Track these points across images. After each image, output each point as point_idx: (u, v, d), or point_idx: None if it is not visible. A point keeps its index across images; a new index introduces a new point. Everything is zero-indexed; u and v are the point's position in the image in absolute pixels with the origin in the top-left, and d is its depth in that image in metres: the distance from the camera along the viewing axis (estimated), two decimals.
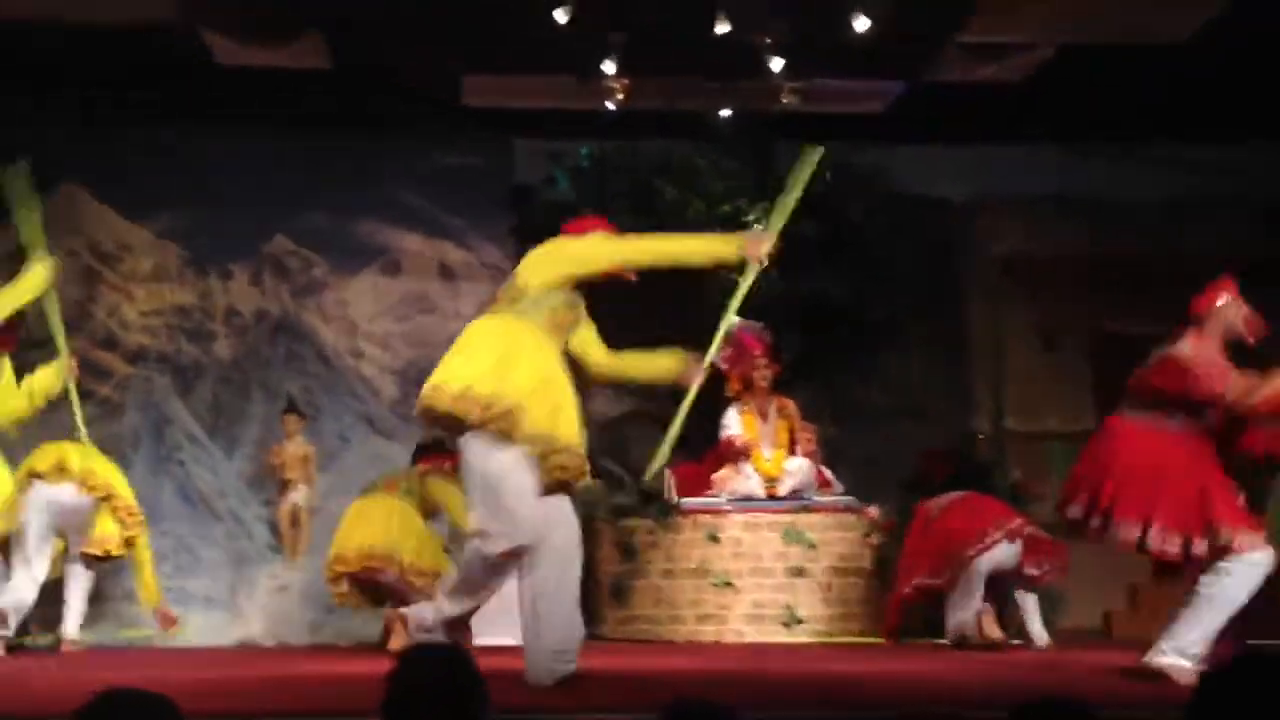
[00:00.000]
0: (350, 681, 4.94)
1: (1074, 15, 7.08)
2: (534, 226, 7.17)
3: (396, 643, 6.70)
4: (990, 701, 3.95)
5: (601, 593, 7.80)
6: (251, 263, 8.52)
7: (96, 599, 7.18)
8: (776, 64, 7.60)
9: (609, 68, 7.58)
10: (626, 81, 7.75)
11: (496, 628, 7.33)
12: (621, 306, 5.26)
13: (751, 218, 8.33)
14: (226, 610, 8.09)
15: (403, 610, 5.67)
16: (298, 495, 8.12)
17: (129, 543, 6.80)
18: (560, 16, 6.91)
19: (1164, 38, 7.18)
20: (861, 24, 7.05)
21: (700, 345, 7.36)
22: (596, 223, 5.05)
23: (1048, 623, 6.95)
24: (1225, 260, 5.38)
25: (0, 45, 7.01)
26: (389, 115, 8.04)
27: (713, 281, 8.30)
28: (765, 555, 7.47)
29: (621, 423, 8.60)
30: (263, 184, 8.30)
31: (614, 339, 5.06)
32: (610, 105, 7.81)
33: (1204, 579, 4.80)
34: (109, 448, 7.88)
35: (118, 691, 2.64)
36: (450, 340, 6.64)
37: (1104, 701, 3.75)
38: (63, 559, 6.85)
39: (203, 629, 7.96)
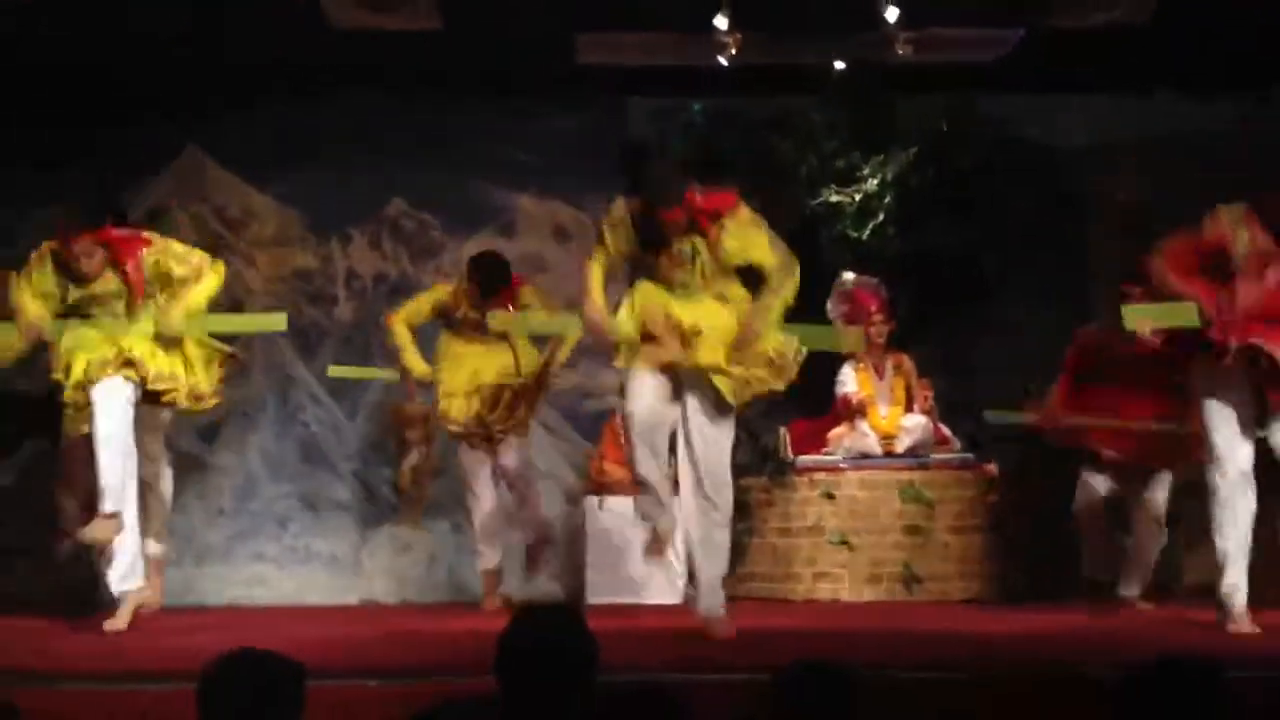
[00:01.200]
0: (471, 639, 5.01)
1: None
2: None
3: (491, 603, 6.85)
4: (1110, 660, 3.89)
5: None
6: (370, 226, 8.63)
7: None
8: (891, 14, 7.48)
9: (721, 22, 7.52)
10: (739, 36, 7.68)
11: (614, 588, 7.44)
12: None
13: (865, 171, 8.23)
14: (350, 569, 8.29)
15: None
16: (415, 456, 8.25)
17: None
18: None
19: None
20: None
21: None
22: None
23: (1164, 585, 6.87)
24: None
25: (118, 10, 7.14)
26: (502, 75, 8.07)
27: None
28: (882, 513, 7.41)
29: None
30: (379, 147, 8.38)
31: None
32: (723, 61, 7.75)
33: None
34: (236, 410, 8.10)
35: (245, 653, 2.73)
36: (569, 300, 6.73)
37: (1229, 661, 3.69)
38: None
39: (327, 587, 8.17)
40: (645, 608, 6.96)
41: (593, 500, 7.71)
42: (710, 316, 5.06)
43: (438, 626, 6.01)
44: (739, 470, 7.80)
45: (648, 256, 5.17)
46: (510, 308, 6.67)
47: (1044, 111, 8.37)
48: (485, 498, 6.91)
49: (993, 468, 7.59)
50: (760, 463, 7.80)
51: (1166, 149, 8.12)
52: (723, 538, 5.21)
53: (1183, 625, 5.66)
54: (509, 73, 8.05)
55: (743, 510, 7.68)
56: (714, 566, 5.15)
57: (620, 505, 7.41)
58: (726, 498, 5.22)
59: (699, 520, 5.13)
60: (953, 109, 8.36)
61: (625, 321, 5.13)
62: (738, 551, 7.65)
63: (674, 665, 4.16)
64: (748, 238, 5.08)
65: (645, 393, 5.07)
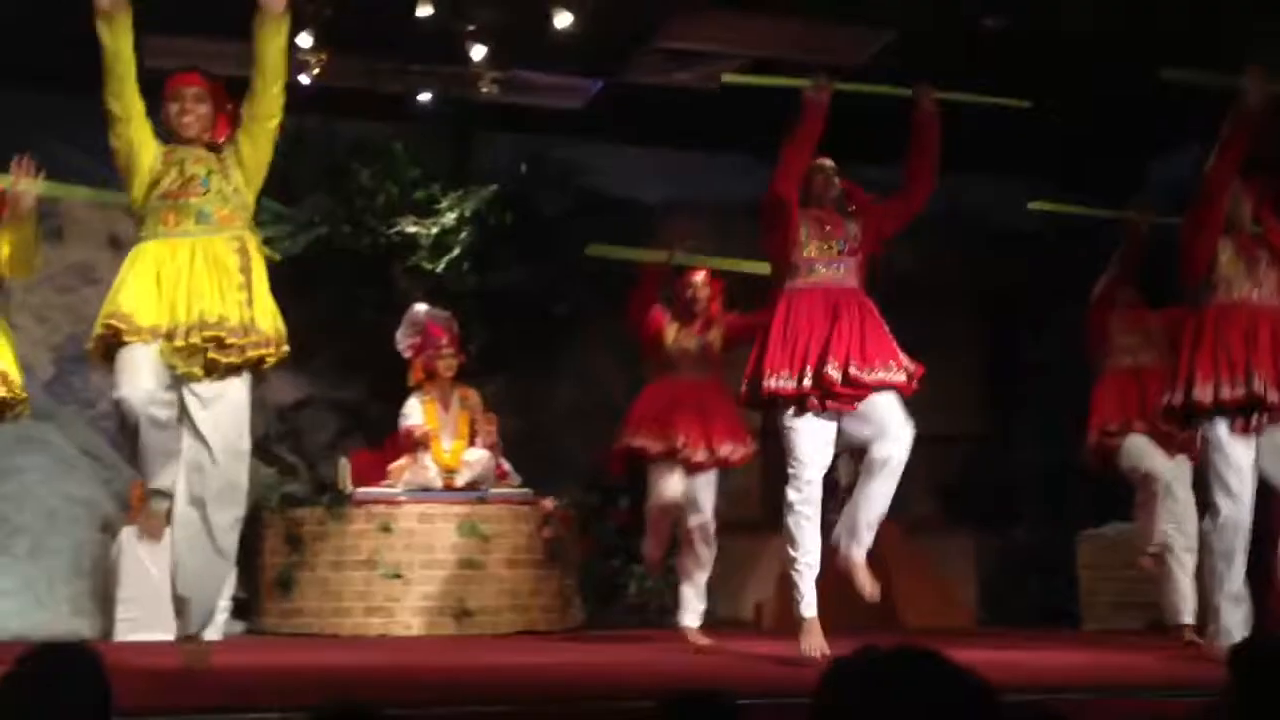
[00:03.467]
0: None
1: (763, 31, 7.29)
2: None
3: None
4: (642, 693, 3.96)
5: (265, 585, 7.54)
6: None
7: None
8: (478, 52, 7.51)
9: (305, 40, 7.32)
10: (324, 56, 7.49)
11: (152, 624, 6.99)
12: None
13: (444, 204, 8.22)
14: None
15: None
16: None
17: None
18: None
19: (843, 59, 7.48)
20: (563, 19, 7.05)
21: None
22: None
23: (709, 612, 7.02)
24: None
25: None
26: (56, 72, 7.51)
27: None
28: (438, 547, 7.37)
29: (297, 410, 8.32)
30: None
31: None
32: (305, 79, 7.54)
33: None
34: None
35: None
36: None
37: (752, 690, 3.85)
38: None
39: None
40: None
41: (131, 530, 7.22)
42: None
43: None
44: (294, 501, 7.59)
45: None
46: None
47: (623, 164, 8.62)
48: None
49: (549, 503, 7.68)
50: (317, 493, 7.60)
51: (734, 209, 8.52)
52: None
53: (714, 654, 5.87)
54: (64, 70, 7.50)
55: (295, 543, 7.45)
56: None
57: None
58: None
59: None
60: (534, 152, 8.50)
61: None
62: (286, 586, 7.43)
63: (200, 706, 3.91)
64: None
65: None
